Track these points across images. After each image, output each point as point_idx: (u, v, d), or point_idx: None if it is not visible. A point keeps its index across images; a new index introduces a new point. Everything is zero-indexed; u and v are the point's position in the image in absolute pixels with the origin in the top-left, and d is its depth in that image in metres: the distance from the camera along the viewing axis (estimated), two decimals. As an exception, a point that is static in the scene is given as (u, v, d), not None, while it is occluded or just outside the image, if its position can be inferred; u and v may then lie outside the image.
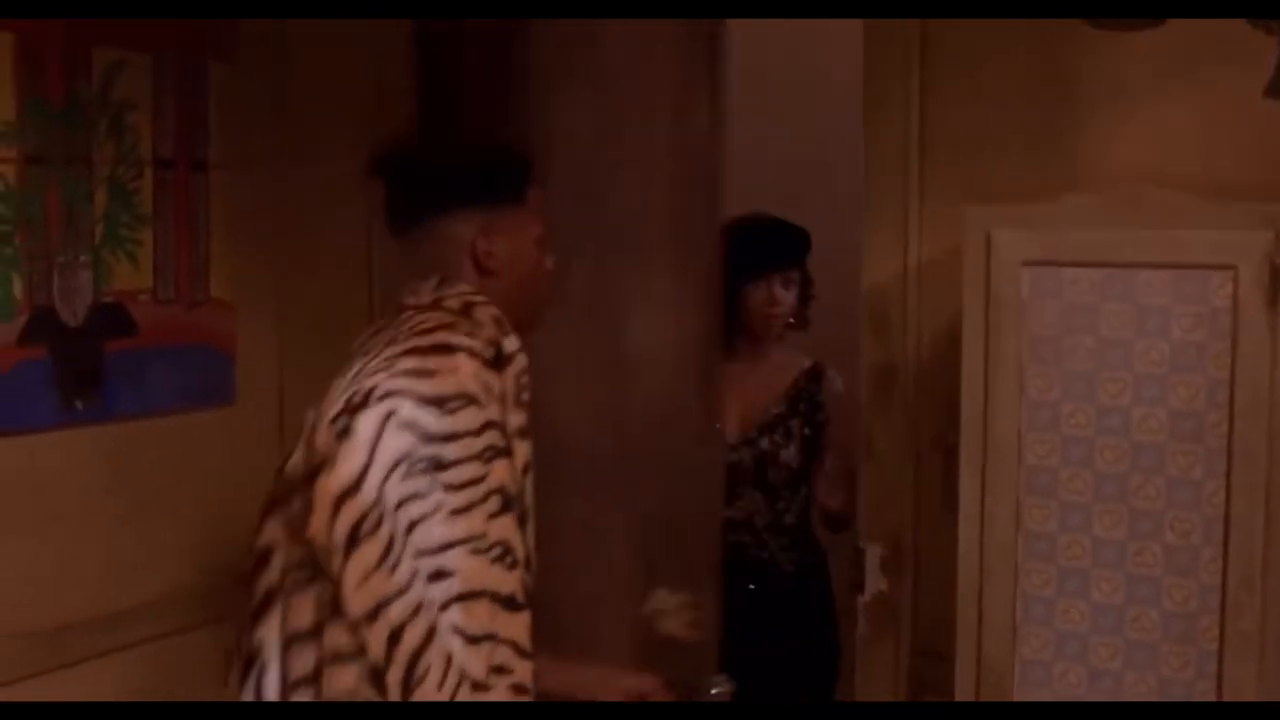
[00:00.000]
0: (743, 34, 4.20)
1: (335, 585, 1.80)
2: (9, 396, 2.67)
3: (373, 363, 1.91)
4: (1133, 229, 2.44)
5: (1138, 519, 2.44)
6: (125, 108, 2.89)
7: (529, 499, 2.01)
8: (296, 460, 1.88)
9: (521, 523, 1.97)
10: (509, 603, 1.90)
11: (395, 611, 1.80)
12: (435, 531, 1.84)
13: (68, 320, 2.78)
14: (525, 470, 2.01)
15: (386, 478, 1.81)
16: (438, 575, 1.83)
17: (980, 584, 2.51)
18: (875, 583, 2.87)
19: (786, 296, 3.43)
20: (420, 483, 1.83)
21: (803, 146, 4.37)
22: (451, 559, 1.84)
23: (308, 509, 1.81)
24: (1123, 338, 2.43)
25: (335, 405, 1.86)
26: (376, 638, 1.80)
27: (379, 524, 1.80)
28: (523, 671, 1.92)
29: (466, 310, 2.03)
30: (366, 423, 1.82)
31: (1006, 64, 2.68)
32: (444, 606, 1.83)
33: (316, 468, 1.83)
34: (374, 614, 1.79)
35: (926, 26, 2.74)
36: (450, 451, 1.85)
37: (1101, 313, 2.44)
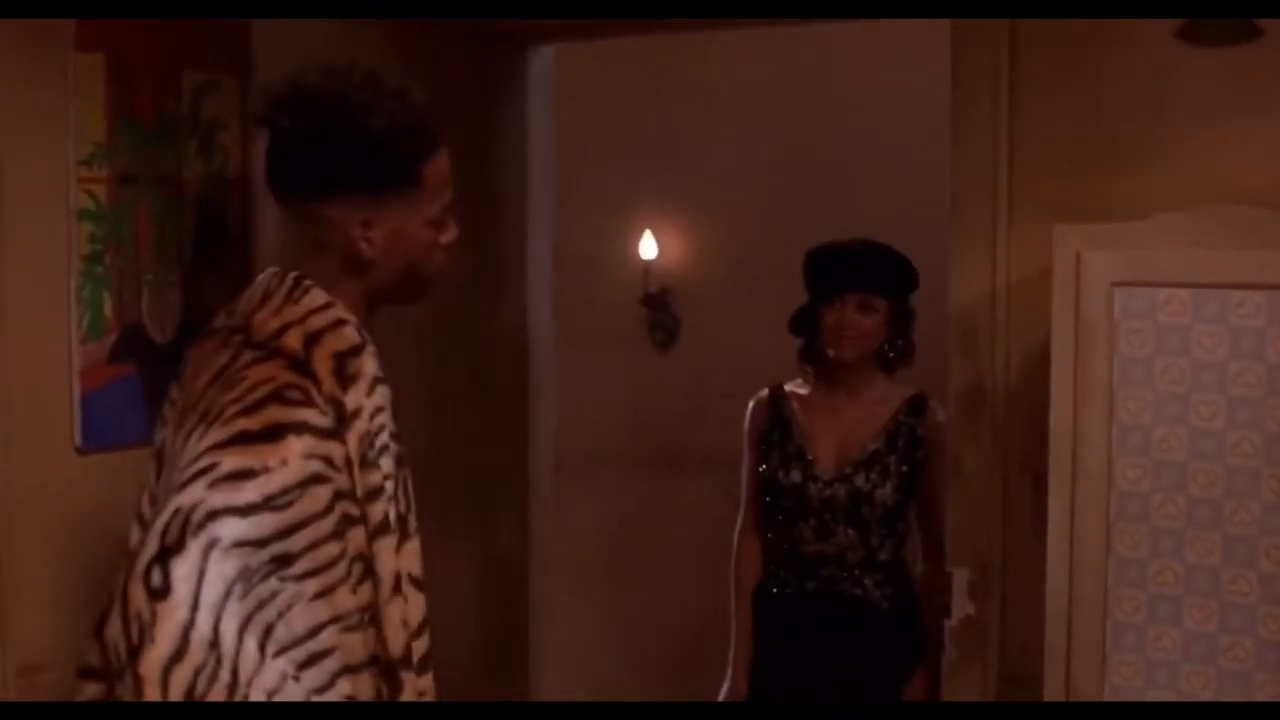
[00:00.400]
0: (823, 48, 4.23)
1: None
2: (99, 413, 2.71)
3: (196, 457, 1.78)
4: (1226, 249, 2.38)
5: (1231, 545, 2.37)
6: (215, 127, 2.93)
7: (387, 562, 1.90)
8: (114, 628, 1.73)
9: (403, 540, 1.92)
10: (389, 668, 1.88)
11: None
12: (297, 623, 1.79)
13: (156, 338, 2.82)
14: (378, 533, 1.89)
15: (218, 617, 1.72)
16: (310, 661, 1.80)
17: (1069, 610, 2.45)
18: (962, 607, 2.81)
19: (861, 321, 3.34)
20: (265, 588, 1.77)
21: (888, 165, 4.35)
22: (324, 640, 1.81)
23: (137, 692, 1.71)
24: (1216, 359, 2.37)
25: (153, 536, 1.73)
26: None
27: (216, 673, 1.72)
28: None
29: (308, 350, 1.89)
30: (183, 569, 1.70)
31: (1096, 81, 2.63)
32: (327, 687, 1.81)
33: (136, 646, 1.70)
34: None
35: (1015, 41, 2.69)
36: (296, 543, 1.79)
37: (1194, 334, 2.38)
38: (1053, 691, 2.47)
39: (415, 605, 1.95)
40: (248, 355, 1.90)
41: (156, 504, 1.88)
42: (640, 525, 4.72)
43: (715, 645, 4.26)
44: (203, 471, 1.76)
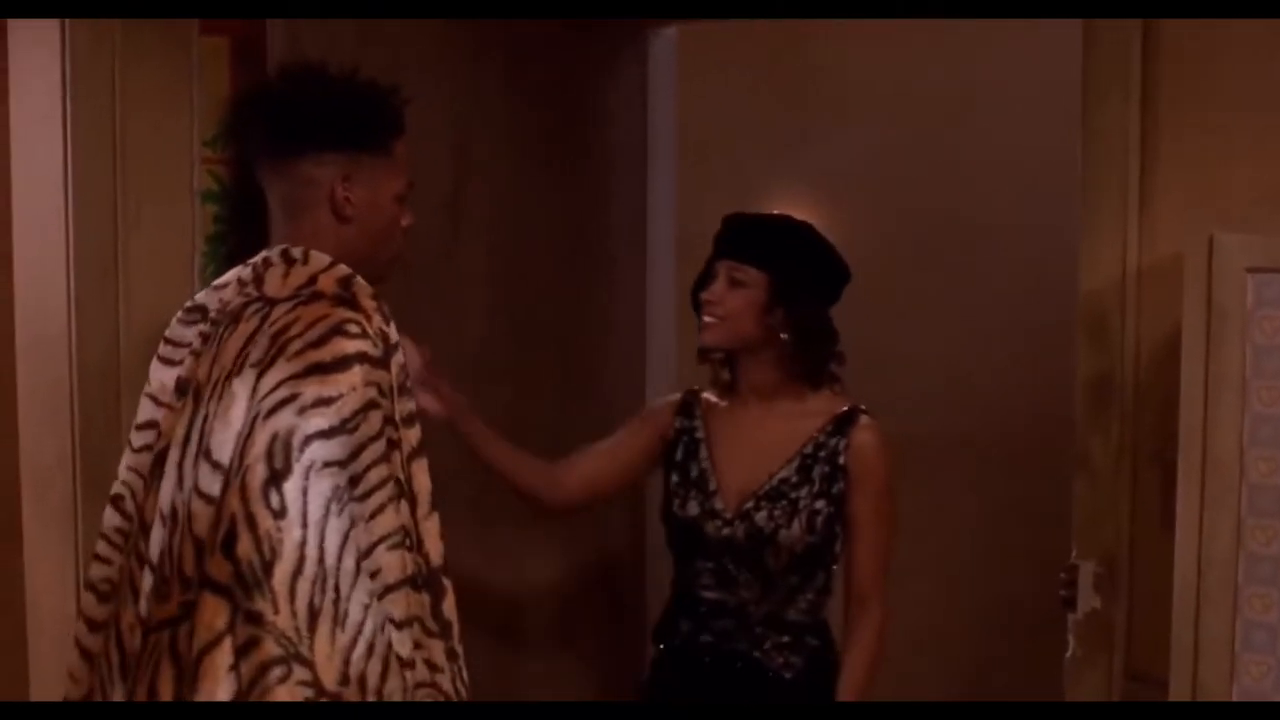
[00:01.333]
0: (957, 34, 4.13)
1: (302, 661, 1.83)
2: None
3: (273, 389, 1.89)
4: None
5: (1370, 542, 2.28)
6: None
7: (423, 481, 2.04)
8: (245, 546, 1.85)
9: (412, 507, 2.02)
10: (413, 584, 1.98)
11: (358, 658, 1.86)
12: (363, 538, 1.90)
13: (278, 318, 2.85)
14: (414, 454, 2.03)
15: (322, 534, 1.85)
16: (373, 575, 1.91)
17: (1197, 607, 2.37)
18: (1088, 601, 2.73)
19: (725, 297, 2.75)
20: (351, 507, 1.89)
21: (1022, 152, 4.25)
22: (378, 558, 1.92)
23: (273, 604, 1.82)
24: (1355, 349, 2.27)
25: (257, 461, 1.85)
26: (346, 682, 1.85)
27: (324, 585, 1.84)
28: (433, 649, 2.02)
29: (348, 292, 2.00)
30: (292, 490, 1.84)
31: (1232, 63, 2.54)
32: (380, 597, 1.92)
33: (269, 561, 1.82)
34: (344, 677, 1.85)
35: (1148, 25, 2.62)
36: (360, 465, 1.90)
37: (1332, 322, 2.29)
38: (1179, 692, 2.39)
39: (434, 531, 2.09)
40: (283, 306, 1.99)
41: (150, 483, 2.02)
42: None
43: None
44: (286, 400, 1.88)
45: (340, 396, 1.88)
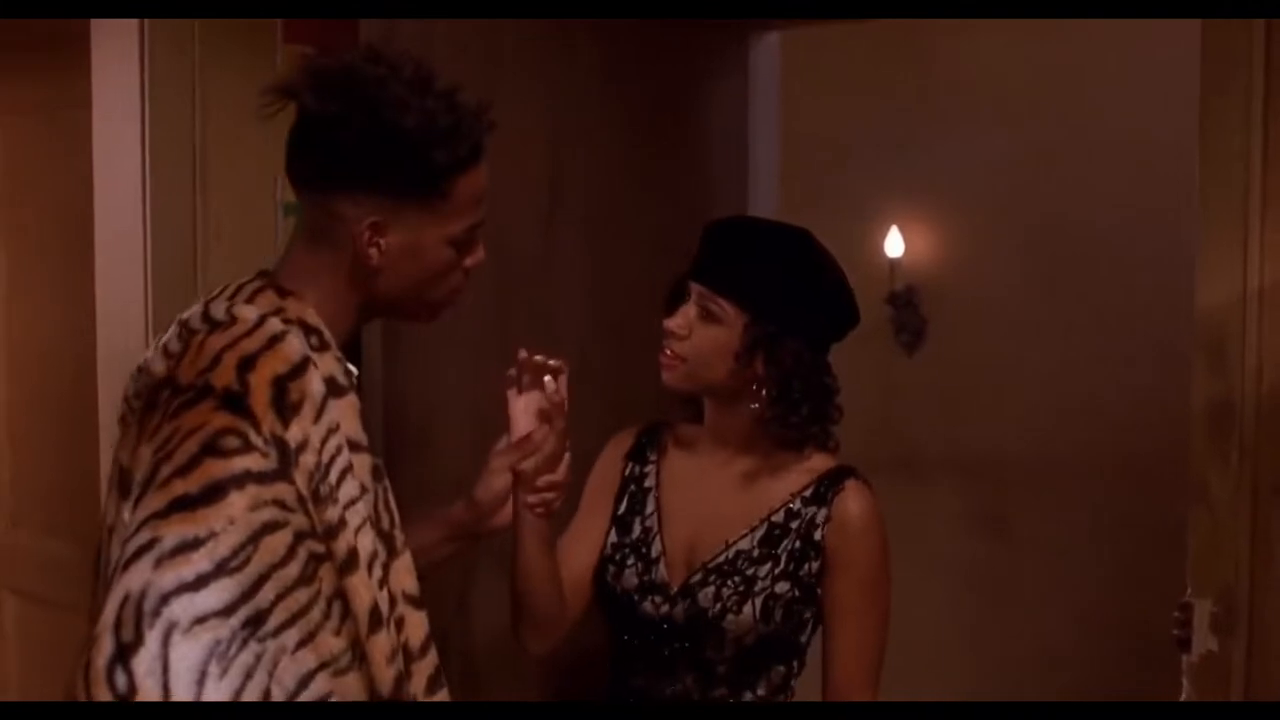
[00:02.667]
0: (1077, 35, 3.96)
1: None
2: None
3: (136, 530, 1.59)
4: None
5: None
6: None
7: (363, 597, 1.70)
8: None
9: (391, 558, 1.75)
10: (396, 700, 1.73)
11: None
12: (287, 678, 1.63)
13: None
14: (347, 567, 1.70)
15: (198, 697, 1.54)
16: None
17: (1319, 652, 2.21)
18: (1204, 642, 2.56)
19: (698, 331, 2.20)
20: (247, 656, 1.59)
21: (1147, 158, 4.05)
22: (317, 688, 1.65)
23: None
24: None
25: (104, 633, 1.54)
26: None
27: None
28: None
29: (242, 383, 1.66)
30: (144, 665, 1.53)
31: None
32: None
33: None
34: None
35: (1271, 26, 2.44)
36: (264, 599, 1.60)
37: None
38: (1298, 742, 2.22)
39: (414, 625, 1.79)
40: (176, 401, 1.68)
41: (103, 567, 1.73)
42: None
43: (961, 663, 4.07)
44: (144, 548, 1.58)
45: (211, 535, 1.57)
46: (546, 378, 2.15)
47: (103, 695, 1.52)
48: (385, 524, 1.77)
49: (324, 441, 1.70)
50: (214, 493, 1.59)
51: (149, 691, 1.52)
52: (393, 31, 2.59)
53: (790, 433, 2.21)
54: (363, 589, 1.70)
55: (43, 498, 3.31)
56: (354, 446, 1.74)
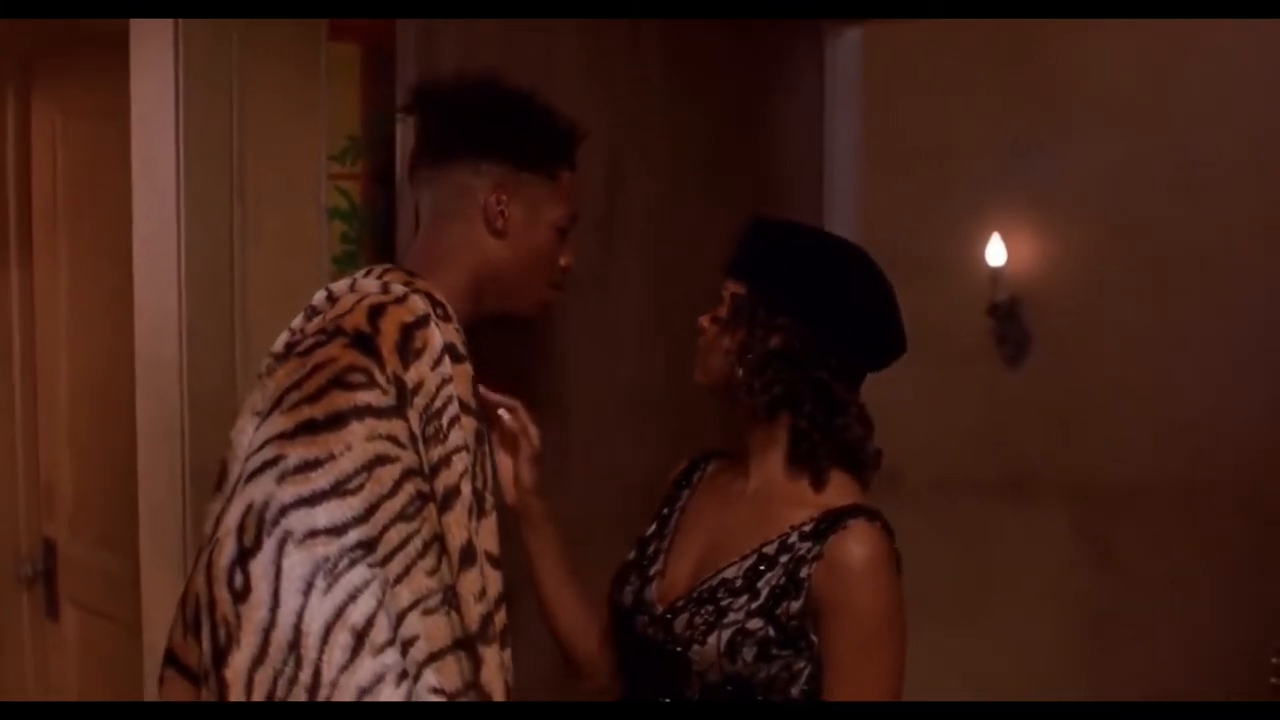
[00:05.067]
0: (1188, 37, 3.73)
1: None
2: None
3: (260, 447, 1.72)
4: None
5: None
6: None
7: (456, 535, 1.82)
8: (205, 633, 1.67)
9: (480, 517, 1.86)
10: (466, 648, 1.80)
11: None
12: (391, 609, 1.70)
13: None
14: (446, 503, 1.81)
15: (300, 614, 1.62)
16: (408, 645, 1.72)
17: None
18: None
19: (708, 322, 2.13)
20: (355, 576, 1.66)
21: (1254, 163, 3.80)
22: (410, 627, 1.73)
23: (221, 695, 1.64)
24: None
25: (227, 536, 1.66)
26: None
27: (296, 674, 1.62)
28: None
29: (373, 327, 1.80)
30: (260, 567, 1.63)
31: None
32: (416, 676, 1.72)
33: (223, 649, 1.63)
34: None
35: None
36: (375, 527, 1.70)
37: None
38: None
39: (493, 580, 1.88)
40: (307, 343, 1.83)
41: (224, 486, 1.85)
42: (983, 559, 4.31)
43: (1068, 695, 3.86)
44: (269, 463, 1.70)
45: (331, 458, 1.69)
46: (501, 411, 2.21)
47: (221, 593, 1.63)
48: (479, 483, 1.89)
49: (439, 388, 1.83)
50: (337, 420, 1.72)
51: (261, 593, 1.62)
52: (437, 32, 2.48)
53: (796, 442, 2.06)
54: (458, 527, 1.81)
55: (99, 509, 3.25)
56: (463, 408, 1.87)
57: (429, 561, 1.77)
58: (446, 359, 1.86)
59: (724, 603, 2.01)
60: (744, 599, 2.00)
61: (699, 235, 2.98)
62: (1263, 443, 3.81)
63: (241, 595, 1.63)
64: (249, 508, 1.67)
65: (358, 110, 2.62)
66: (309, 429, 1.71)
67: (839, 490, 2.06)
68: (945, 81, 4.16)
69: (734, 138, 3.08)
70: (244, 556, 1.65)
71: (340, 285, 1.96)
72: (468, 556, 1.82)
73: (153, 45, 2.50)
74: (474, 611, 1.82)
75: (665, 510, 2.27)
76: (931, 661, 4.22)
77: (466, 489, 1.84)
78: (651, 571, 2.16)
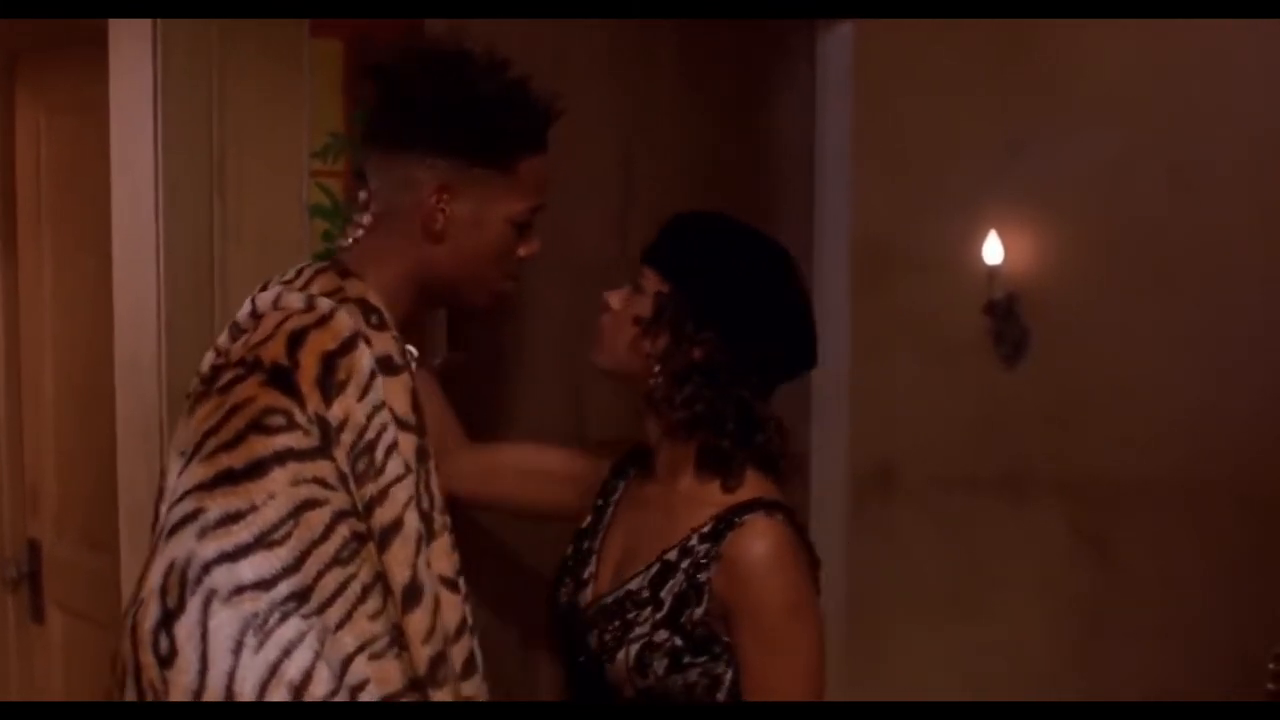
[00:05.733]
0: (1185, 32, 3.69)
1: None
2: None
3: (180, 498, 1.64)
4: None
5: None
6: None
7: (398, 574, 1.73)
8: (130, 698, 1.61)
9: (430, 539, 1.77)
10: (418, 690, 1.73)
11: None
12: (333, 659, 1.62)
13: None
14: (386, 540, 1.73)
15: (231, 675, 1.56)
16: (356, 691, 1.63)
17: None
18: (1303, 693, 2.32)
19: (619, 303, 2.06)
20: (289, 630, 1.58)
21: (1253, 159, 3.76)
22: (356, 673, 1.63)
23: None
24: None
25: (150, 597, 1.60)
26: None
27: None
28: None
29: (291, 360, 1.70)
30: (184, 629, 1.56)
31: None
32: None
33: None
34: None
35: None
36: (307, 575, 1.61)
37: None
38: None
39: (449, 607, 1.80)
40: (228, 374, 1.74)
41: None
42: (978, 558, 4.27)
43: (1064, 694, 3.84)
44: (189, 517, 1.63)
45: (253, 508, 1.62)
46: None
47: (147, 658, 1.57)
48: (425, 505, 1.80)
49: (370, 418, 1.74)
50: (257, 468, 1.63)
51: (188, 657, 1.56)
52: (459, 30, 2.43)
53: (705, 446, 2.01)
54: (400, 565, 1.73)
55: (84, 510, 3.21)
56: (401, 425, 1.79)
57: (371, 604, 1.69)
58: (377, 382, 1.77)
59: (630, 616, 1.96)
60: (649, 610, 1.95)
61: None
62: (1262, 441, 3.77)
63: (168, 660, 1.58)
64: (171, 566, 1.61)
65: (340, 107, 2.59)
66: (228, 479, 1.64)
67: (746, 486, 2.00)
68: (940, 76, 4.11)
69: (733, 134, 3.05)
70: (168, 619, 1.59)
71: (265, 298, 1.85)
72: (412, 595, 1.74)
73: (131, 40, 2.46)
74: (422, 654, 1.74)
75: (600, 502, 2.19)
76: (928, 660, 4.22)
77: (411, 519, 1.76)
78: (585, 574, 2.11)
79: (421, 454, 1.82)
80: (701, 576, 1.92)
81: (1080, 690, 3.97)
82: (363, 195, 2.01)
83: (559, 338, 2.67)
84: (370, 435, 1.74)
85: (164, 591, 1.60)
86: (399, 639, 1.71)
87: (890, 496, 4.22)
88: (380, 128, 1.95)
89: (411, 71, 1.92)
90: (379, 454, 1.74)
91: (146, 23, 2.40)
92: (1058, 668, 4.12)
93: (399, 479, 1.76)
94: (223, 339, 1.86)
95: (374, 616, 1.68)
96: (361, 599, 1.67)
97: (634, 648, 1.93)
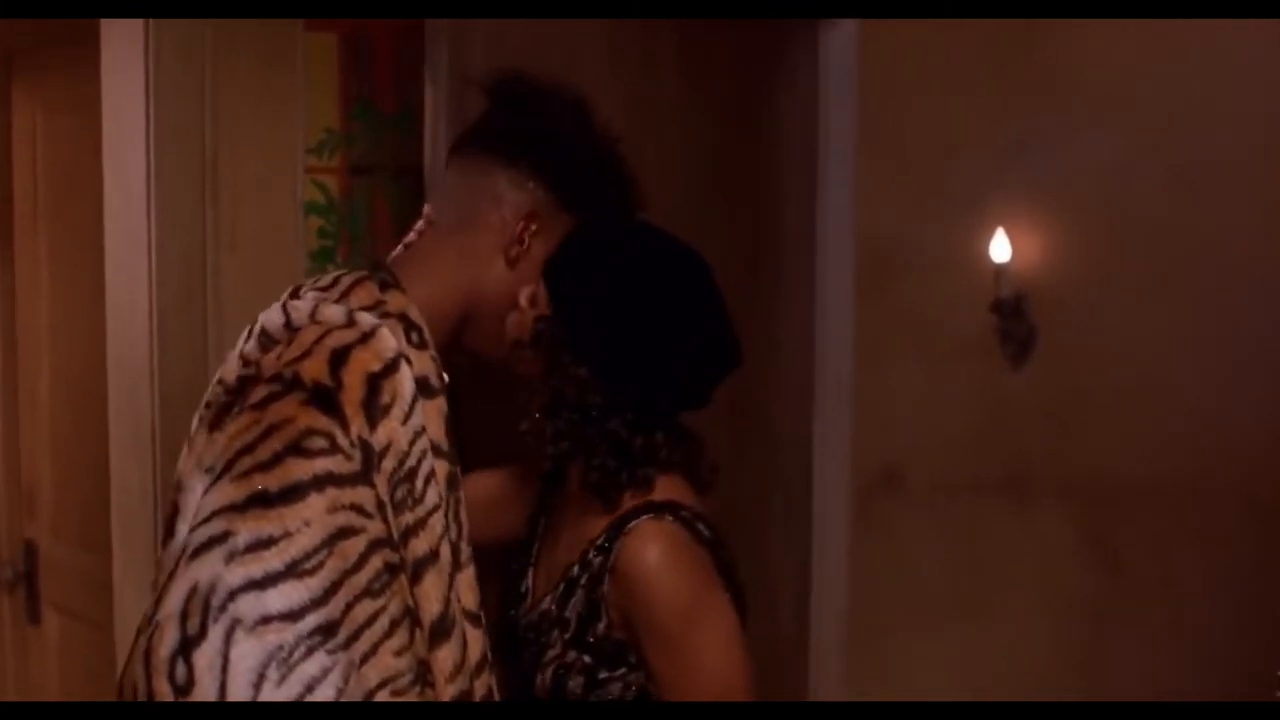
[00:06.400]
0: (1193, 31, 3.64)
1: None
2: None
3: (208, 518, 1.54)
4: None
5: None
6: (467, 113, 2.71)
7: (429, 607, 1.65)
8: None
9: (455, 571, 1.69)
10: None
11: None
12: (355, 694, 1.51)
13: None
14: (419, 570, 1.65)
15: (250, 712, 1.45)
16: None
17: None
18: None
19: (524, 301, 1.90)
20: (312, 665, 1.49)
21: (1262, 158, 3.72)
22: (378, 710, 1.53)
23: None
24: None
25: (168, 621, 1.49)
26: None
27: None
28: None
29: (334, 378, 1.59)
30: (205, 659, 1.46)
31: None
32: None
33: None
34: None
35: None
36: (335, 608, 1.52)
37: None
38: None
39: (473, 642, 1.71)
40: (263, 389, 1.62)
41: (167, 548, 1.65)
42: (984, 561, 4.22)
43: (1068, 698, 3.80)
44: (216, 539, 1.52)
45: (286, 535, 1.52)
46: None
47: (162, 686, 1.48)
48: (453, 534, 1.72)
49: (411, 444, 1.66)
50: (293, 492, 1.54)
51: (206, 688, 1.47)
52: (463, 30, 2.40)
53: (545, 463, 1.95)
54: (430, 601, 1.66)
55: (80, 511, 3.19)
56: (436, 451, 1.70)
57: (398, 640, 1.59)
58: (419, 405, 1.67)
59: (544, 639, 1.88)
60: (557, 631, 1.87)
61: (708, 235, 2.91)
62: (1270, 444, 3.72)
63: (184, 689, 1.47)
64: (193, 590, 1.51)
65: (336, 101, 2.56)
66: (262, 502, 1.53)
67: (655, 490, 1.88)
68: (943, 75, 4.06)
69: (734, 134, 3.00)
70: (187, 646, 1.48)
71: (301, 309, 1.72)
72: (441, 630, 1.67)
73: (123, 36, 2.44)
74: (446, 693, 1.67)
75: (533, 511, 2.10)
76: (931, 663, 4.18)
77: (445, 551, 1.68)
78: (522, 588, 2.01)
79: (452, 481, 1.74)
80: (597, 592, 1.84)
81: (1084, 694, 3.93)
82: (427, 208, 1.91)
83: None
84: (412, 462, 1.66)
85: (184, 616, 1.49)
86: (424, 675, 1.63)
87: (894, 499, 4.17)
88: (489, 131, 1.85)
89: (542, 92, 1.84)
90: (419, 482, 1.66)
91: (138, 21, 2.37)
92: (1062, 671, 4.07)
93: (436, 508, 1.68)
94: (249, 347, 1.74)
95: (399, 652, 1.59)
96: (389, 633, 1.59)
97: (549, 670, 1.87)
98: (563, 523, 1.97)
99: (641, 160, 2.76)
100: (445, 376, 1.77)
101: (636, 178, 1.89)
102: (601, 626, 1.83)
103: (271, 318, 1.74)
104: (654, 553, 1.79)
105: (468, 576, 1.74)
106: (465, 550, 1.75)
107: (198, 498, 1.61)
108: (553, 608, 1.88)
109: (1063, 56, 3.99)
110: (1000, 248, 4.11)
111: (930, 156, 4.04)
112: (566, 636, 1.85)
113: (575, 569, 1.87)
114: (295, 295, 1.77)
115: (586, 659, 1.84)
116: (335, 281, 1.79)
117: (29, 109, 3.28)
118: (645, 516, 1.82)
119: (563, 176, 1.81)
